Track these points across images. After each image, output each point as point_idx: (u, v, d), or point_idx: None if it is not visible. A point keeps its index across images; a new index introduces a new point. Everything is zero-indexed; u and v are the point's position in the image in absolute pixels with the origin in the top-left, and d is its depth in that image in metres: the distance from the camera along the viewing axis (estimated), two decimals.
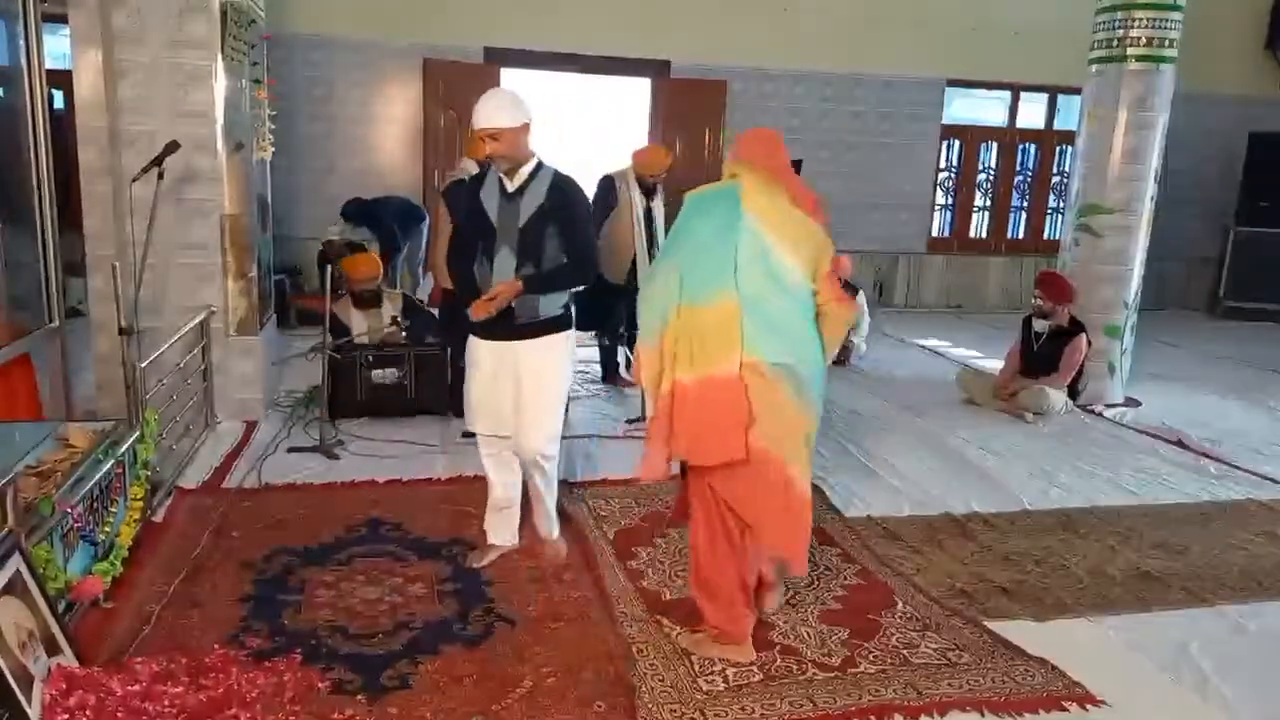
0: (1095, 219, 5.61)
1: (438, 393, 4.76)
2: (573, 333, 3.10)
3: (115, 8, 4.14)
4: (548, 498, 3.21)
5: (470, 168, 5.43)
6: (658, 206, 5.53)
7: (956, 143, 9.64)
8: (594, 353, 6.00)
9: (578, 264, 2.96)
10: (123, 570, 2.90)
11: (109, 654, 2.49)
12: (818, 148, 8.96)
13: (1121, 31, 5.41)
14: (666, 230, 5.39)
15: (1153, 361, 6.80)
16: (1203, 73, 8.17)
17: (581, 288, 3.05)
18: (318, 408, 4.52)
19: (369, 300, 4.99)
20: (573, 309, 3.09)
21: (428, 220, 7.34)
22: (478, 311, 2.85)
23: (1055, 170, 9.88)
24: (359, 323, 4.97)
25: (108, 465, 2.92)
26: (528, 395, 2.98)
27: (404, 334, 5.00)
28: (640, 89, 8.77)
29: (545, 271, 2.92)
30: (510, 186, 2.93)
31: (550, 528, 3.27)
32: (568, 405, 3.06)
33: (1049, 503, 4.05)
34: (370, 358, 4.73)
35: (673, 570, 3.20)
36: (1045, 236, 9.94)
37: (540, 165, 2.95)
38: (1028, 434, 5.12)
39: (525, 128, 2.86)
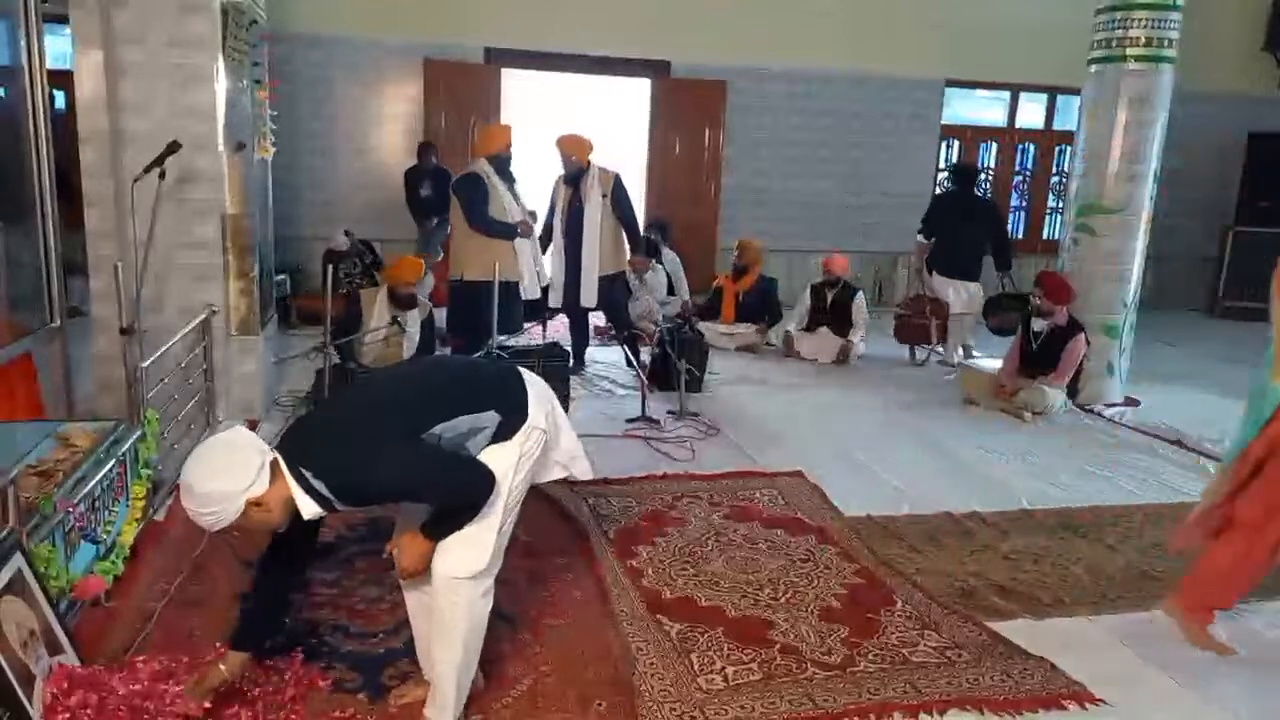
0: (1094, 219, 5.61)
1: None
2: (510, 445, 2.16)
3: (116, 8, 4.14)
4: (441, 663, 2.18)
5: (483, 167, 5.50)
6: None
7: (956, 143, 9.66)
8: (608, 352, 6.02)
9: (441, 510, 2.10)
10: (124, 569, 2.91)
11: (110, 653, 2.49)
12: (817, 147, 8.98)
13: (1121, 31, 5.41)
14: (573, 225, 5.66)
15: (1152, 361, 6.81)
16: (1202, 73, 8.19)
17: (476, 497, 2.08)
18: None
19: (407, 301, 5.04)
20: (519, 413, 2.20)
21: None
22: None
23: (1054, 170, 9.89)
24: (379, 318, 5.00)
25: (109, 464, 2.92)
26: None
27: (399, 332, 5.04)
28: (640, 89, 8.78)
29: (433, 517, 2.11)
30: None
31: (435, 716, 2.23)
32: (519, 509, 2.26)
33: (1048, 502, 4.05)
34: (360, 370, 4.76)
35: (672, 569, 3.20)
36: (1044, 236, 9.95)
37: (308, 485, 1.97)
38: (1027, 434, 5.13)
39: (249, 506, 1.92)
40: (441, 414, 2.09)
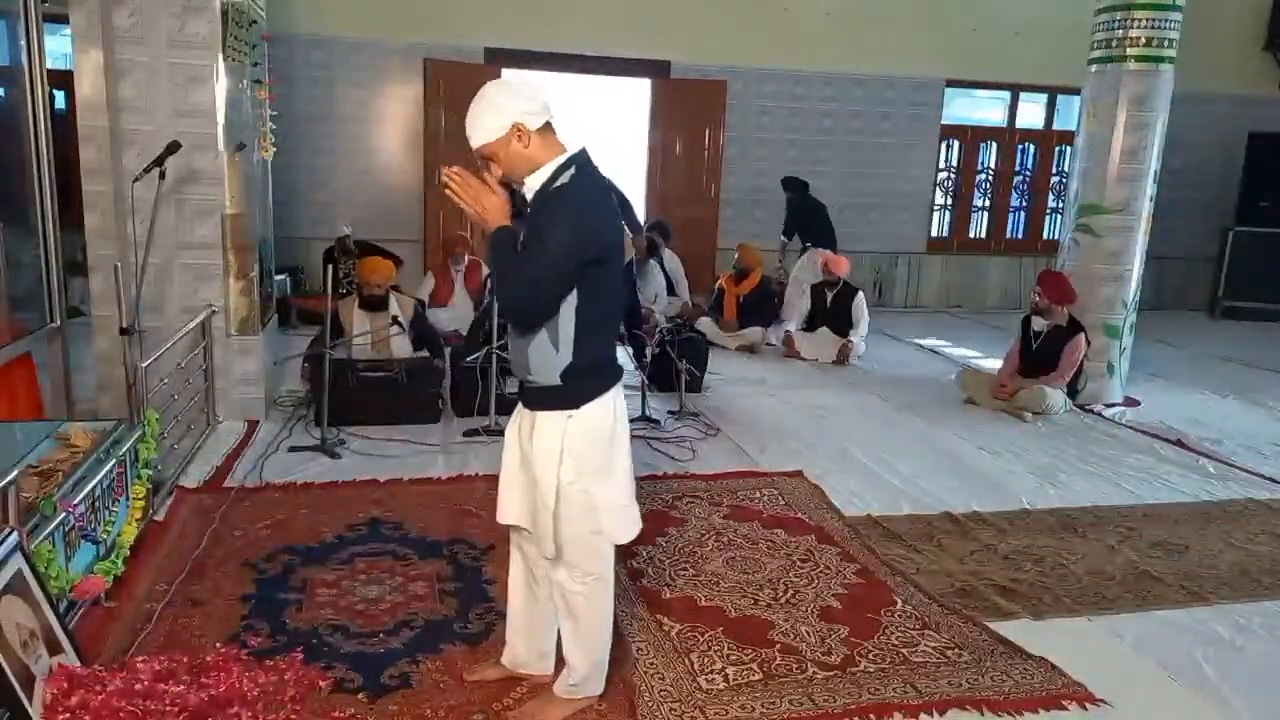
0: (1094, 219, 5.61)
1: (428, 401, 4.79)
2: (586, 412, 2.15)
3: (116, 7, 4.14)
4: (570, 644, 2.34)
5: None
6: None
7: (956, 143, 9.66)
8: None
9: (506, 286, 2.10)
10: (124, 569, 2.91)
11: (110, 653, 2.49)
12: (818, 148, 8.98)
13: (1121, 31, 5.42)
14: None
15: (1152, 361, 6.82)
16: (1202, 73, 8.19)
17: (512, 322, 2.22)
18: (314, 409, 4.53)
19: (375, 303, 5.03)
20: (591, 377, 2.18)
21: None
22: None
23: (1054, 170, 9.89)
24: (360, 324, 4.99)
25: (109, 465, 2.92)
26: (535, 489, 2.20)
27: (399, 332, 5.03)
28: (640, 89, 8.78)
29: (507, 238, 2.11)
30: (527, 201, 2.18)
31: (564, 682, 2.37)
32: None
33: (1048, 502, 4.06)
34: (358, 365, 4.75)
35: (672, 569, 3.20)
36: (1044, 236, 9.95)
37: (562, 170, 2.11)
38: (1027, 434, 5.13)
39: (515, 131, 2.07)
40: (611, 307, 2.26)
